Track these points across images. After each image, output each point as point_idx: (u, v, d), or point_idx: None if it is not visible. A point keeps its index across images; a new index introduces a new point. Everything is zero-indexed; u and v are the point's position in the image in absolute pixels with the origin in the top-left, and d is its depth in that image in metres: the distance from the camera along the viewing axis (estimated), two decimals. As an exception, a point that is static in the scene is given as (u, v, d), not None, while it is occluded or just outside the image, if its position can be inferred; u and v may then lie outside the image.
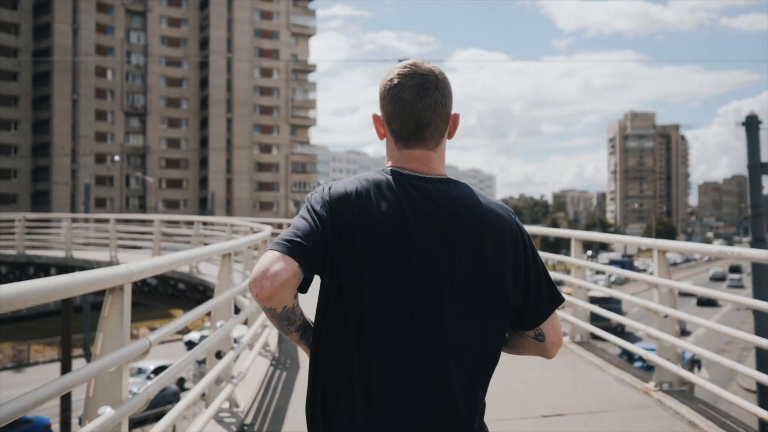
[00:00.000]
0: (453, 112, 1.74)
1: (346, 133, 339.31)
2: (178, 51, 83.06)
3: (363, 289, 1.58)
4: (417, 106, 1.66)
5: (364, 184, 1.63)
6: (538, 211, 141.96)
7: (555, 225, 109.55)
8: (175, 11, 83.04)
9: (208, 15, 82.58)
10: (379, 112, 1.75)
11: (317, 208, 1.61)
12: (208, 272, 15.37)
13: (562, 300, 1.69)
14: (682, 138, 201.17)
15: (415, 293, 1.58)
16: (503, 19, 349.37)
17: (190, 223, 16.81)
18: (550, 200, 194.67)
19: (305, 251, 1.54)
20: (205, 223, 16.87)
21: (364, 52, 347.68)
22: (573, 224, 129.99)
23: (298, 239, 1.55)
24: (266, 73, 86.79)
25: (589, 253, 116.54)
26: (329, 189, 1.65)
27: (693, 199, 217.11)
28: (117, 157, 52.76)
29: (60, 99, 71.24)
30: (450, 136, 1.76)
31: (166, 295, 17.77)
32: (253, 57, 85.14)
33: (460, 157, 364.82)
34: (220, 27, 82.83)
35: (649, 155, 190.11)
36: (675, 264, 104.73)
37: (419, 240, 1.59)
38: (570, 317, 7.38)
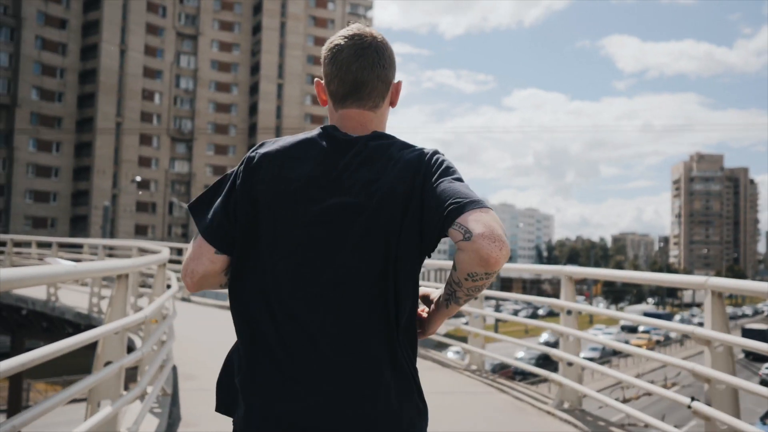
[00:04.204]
0: (396, 81, 1.76)
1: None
2: (228, 76, 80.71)
3: (267, 245, 1.61)
4: (353, 65, 1.67)
5: (291, 149, 1.64)
6: (597, 253, 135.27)
7: (619, 268, 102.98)
8: (227, 35, 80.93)
9: (260, 40, 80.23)
10: (322, 79, 1.76)
11: (240, 179, 1.64)
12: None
13: (474, 204, 1.50)
14: (751, 182, 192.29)
15: (314, 251, 1.58)
16: (563, 59, 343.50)
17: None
18: (609, 242, 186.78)
19: (222, 232, 1.62)
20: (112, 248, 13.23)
21: (422, 90, 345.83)
22: (637, 269, 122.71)
23: (217, 217, 1.63)
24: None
25: (650, 301, 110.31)
26: (255, 156, 1.65)
27: (761, 246, 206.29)
28: (138, 178, 49.21)
29: (104, 121, 69.01)
30: (393, 104, 1.77)
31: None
32: (305, 84, 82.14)
33: (517, 196, 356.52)
34: (272, 52, 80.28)
35: (716, 199, 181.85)
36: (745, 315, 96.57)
37: (327, 215, 1.59)
38: (557, 376, 6.05)
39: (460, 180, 1.58)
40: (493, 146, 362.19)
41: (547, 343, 46.89)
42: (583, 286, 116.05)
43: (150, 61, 74.28)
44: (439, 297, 1.70)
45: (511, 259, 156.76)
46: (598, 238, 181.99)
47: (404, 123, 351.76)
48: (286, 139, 1.67)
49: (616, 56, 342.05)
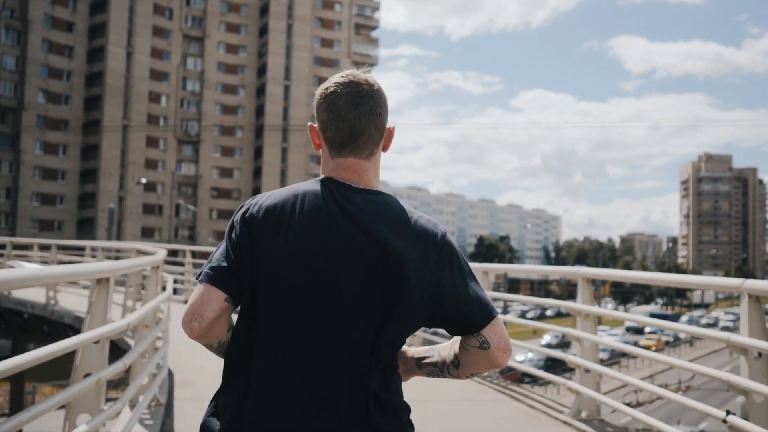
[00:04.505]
0: (389, 126, 1.78)
1: (409, 171, 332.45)
2: (234, 78, 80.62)
3: (269, 301, 1.62)
4: (351, 113, 1.69)
5: (289, 196, 1.66)
6: (605, 254, 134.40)
7: (628, 269, 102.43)
8: (234, 37, 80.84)
9: (267, 42, 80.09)
10: (315, 123, 1.78)
11: (237, 227, 1.66)
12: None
13: (493, 314, 1.69)
14: (760, 182, 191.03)
15: (318, 307, 1.61)
16: (570, 60, 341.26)
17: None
18: (616, 243, 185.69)
19: (231, 279, 1.61)
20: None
21: (429, 91, 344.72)
22: (645, 269, 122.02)
23: (223, 265, 1.62)
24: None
25: (659, 301, 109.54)
26: (251, 204, 1.68)
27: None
28: (143, 180, 49.22)
29: (110, 124, 68.96)
30: (385, 149, 1.80)
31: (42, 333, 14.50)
32: (312, 85, 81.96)
33: (524, 197, 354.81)
34: (279, 54, 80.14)
35: (725, 199, 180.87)
36: None
37: (331, 253, 1.62)
38: (574, 384, 5.62)
39: (472, 275, 1.70)
40: (500, 148, 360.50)
41: (549, 345, 46.36)
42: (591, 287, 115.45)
43: (156, 63, 74.25)
44: (414, 359, 1.80)
45: (519, 260, 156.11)
46: (605, 239, 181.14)
47: (411, 125, 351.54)
48: (283, 190, 1.69)
49: (623, 57, 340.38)
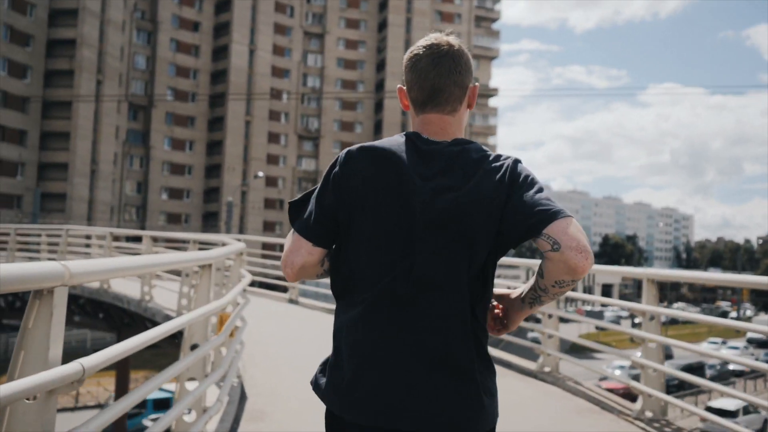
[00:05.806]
0: (472, 84, 1.89)
1: (531, 167, 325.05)
2: (354, 73, 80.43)
3: (359, 242, 1.74)
4: (431, 73, 1.82)
5: (376, 147, 1.77)
6: (742, 256, 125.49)
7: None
8: (353, 33, 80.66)
9: (386, 37, 79.33)
10: (404, 86, 1.91)
11: (330, 175, 1.78)
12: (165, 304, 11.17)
13: (559, 215, 1.61)
14: None
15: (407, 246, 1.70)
16: (703, 51, 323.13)
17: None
18: (755, 245, 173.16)
19: (318, 229, 1.77)
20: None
21: (552, 86, 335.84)
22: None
23: (312, 216, 1.78)
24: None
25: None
26: (343, 155, 1.80)
27: None
28: (260, 173, 49.26)
29: (234, 120, 70.35)
30: (470, 107, 1.91)
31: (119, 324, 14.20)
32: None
33: (652, 195, 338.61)
34: (398, 49, 79.11)
35: None
36: None
37: (414, 198, 1.70)
38: None
39: (542, 190, 1.68)
40: (626, 144, 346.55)
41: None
42: (727, 291, 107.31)
43: (278, 60, 75.10)
44: (519, 297, 1.84)
45: (647, 261, 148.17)
46: (742, 240, 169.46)
47: (534, 121, 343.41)
48: (375, 144, 1.78)
49: (763, 46, 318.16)
